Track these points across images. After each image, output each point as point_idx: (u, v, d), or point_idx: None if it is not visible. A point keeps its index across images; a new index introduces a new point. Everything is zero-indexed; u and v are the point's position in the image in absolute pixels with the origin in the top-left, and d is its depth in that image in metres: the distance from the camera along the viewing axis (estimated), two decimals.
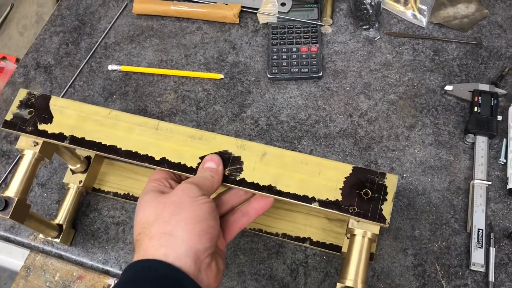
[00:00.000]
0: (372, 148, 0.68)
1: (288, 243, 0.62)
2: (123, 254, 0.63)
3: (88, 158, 0.65)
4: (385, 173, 0.48)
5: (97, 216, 0.65)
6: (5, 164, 0.70)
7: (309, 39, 0.75)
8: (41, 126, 0.52)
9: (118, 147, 0.51)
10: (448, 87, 0.70)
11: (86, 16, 0.83)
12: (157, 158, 0.50)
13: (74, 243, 0.64)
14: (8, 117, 0.53)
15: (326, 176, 0.48)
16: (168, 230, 0.42)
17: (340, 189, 0.47)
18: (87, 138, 0.51)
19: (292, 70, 0.73)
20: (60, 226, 0.62)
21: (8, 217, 0.50)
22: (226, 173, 0.49)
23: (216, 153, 0.50)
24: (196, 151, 0.50)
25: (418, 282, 0.59)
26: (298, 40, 0.76)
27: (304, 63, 0.73)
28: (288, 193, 0.48)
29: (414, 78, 0.73)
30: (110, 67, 0.76)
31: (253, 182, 0.48)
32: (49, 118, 0.53)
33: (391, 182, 0.47)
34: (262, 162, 0.49)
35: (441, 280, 0.59)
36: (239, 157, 0.49)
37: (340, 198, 0.47)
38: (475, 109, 0.67)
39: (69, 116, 0.53)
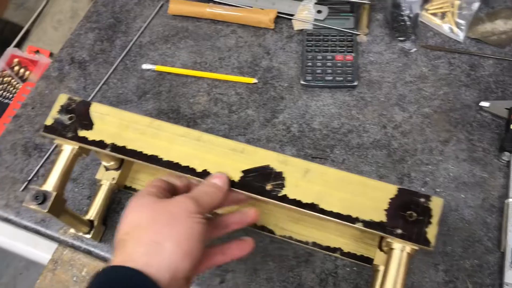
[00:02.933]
0: (406, 161, 0.67)
1: (318, 252, 0.62)
2: None
3: None
4: (430, 195, 0.47)
5: None
6: (38, 158, 0.71)
7: (344, 48, 0.75)
8: (82, 133, 0.52)
9: (159, 157, 0.51)
10: (484, 103, 0.69)
11: (122, 14, 0.83)
12: (199, 170, 0.50)
13: (104, 240, 0.64)
14: (49, 122, 0.53)
15: (370, 196, 0.48)
16: (158, 239, 0.41)
17: (385, 210, 0.47)
18: (128, 147, 0.51)
19: (326, 78, 0.73)
20: (91, 222, 0.62)
21: (46, 211, 0.50)
22: (267, 188, 0.48)
23: (258, 167, 0.49)
24: (237, 165, 0.50)
25: None
26: (333, 48, 0.75)
27: (339, 71, 0.73)
28: (331, 212, 0.47)
29: (450, 93, 0.72)
30: (145, 66, 0.77)
31: (295, 199, 0.48)
32: (89, 125, 0.53)
33: (436, 205, 0.47)
34: (305, 179, 0.49)
35: None
36: (281, 173, 0.49)
37: (384, 220, 0.47)
38: None
39: (110, 123, 0.53)
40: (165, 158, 0.51)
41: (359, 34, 0.77)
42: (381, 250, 0.57)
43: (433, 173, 0.66)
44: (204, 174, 0.50)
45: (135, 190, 0.66)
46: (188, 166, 0.50)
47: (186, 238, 0.42)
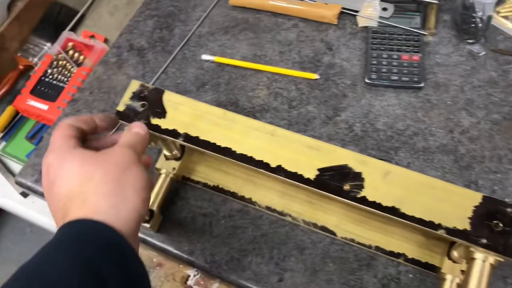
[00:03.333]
0: (473, 167, 0.65)
1: (380, 256, 0.60)
2: (209, 247, 0.62)
3: (183, 145, 0.64)
4: None
5: (185, 204, 0.65)
6: None
7: (410, 48, 0.73)
8: (154, 121, 0.52)
9: (233, 149, 0.50)
10: None
11: (181, 2, 0.82)
12: (272, 165, 0.48)
13: (160, 230, 0.63)
14: (121, 107, 0.53)
15: (453, 203, 0.46)
16: (119, 190, 0.41)
17: (469, 218, 0.45)
18: (201, 137, 0.50)
19: (392, 77, 0.71)
20: (151, 211, 0.61)
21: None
22: (345, 188, 0.47)
23: (335, 166, 0.48)
24: (313, 162, 0.48)
25: None
26: (399, 47, 0.73)
27: (405, 71, 0.71)
28: (413, 217, 0.45)
29: None
30: (204, 57, 0.76)
31: (375, 202, 0.46)
32: (162, 113, 0.52)
33: None
34: (385, 181, 0.47)
35: None
36: (359, 173, 0.47)
37: (468, 228, 0.45)
38: None
39: (183, 113, 0.52)
40: (239, 151, 0.50)
41: (426, 34, 0.74)
42: (450, 258, 0.56)
43: (502, 182, 0.64)
44: (278, 169, 0.48)
45: (193, 181, 0.65)
46: (262, 161, 0.49)
47: (142, 186, 0.43)
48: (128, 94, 0.53)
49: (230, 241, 0.62)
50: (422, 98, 0.70)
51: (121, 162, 0.43)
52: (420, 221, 0.45)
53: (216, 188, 0.64)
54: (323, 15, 0.77)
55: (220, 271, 0.60)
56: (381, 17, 0.75)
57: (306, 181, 0.47)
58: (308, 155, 0.49)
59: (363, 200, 0.46)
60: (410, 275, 0.59)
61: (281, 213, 0.62)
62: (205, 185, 0.65)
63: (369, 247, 0.60)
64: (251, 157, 0.49)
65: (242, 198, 0.64)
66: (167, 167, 0.63)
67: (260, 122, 0.51)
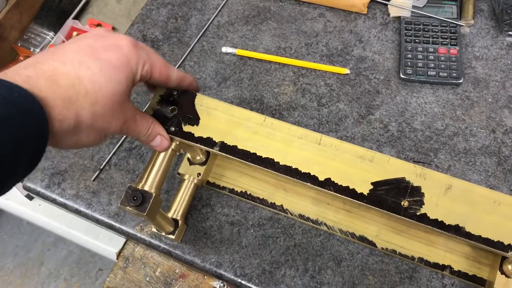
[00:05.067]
0: None
1: (423, 267, 0.56)
2: (238, 258, 0.57)
3: None
4: None
5: (210, 212, 0.60)
6: (109, 144, 0.65)
7: (447, 40, 0.68)
8: (186, 128, 0.46)
9: (275, 160, 0.45)
10: None
11: None
12: (321, 178, 0.44)
13: (185, 240, 0.59)
14: (148, 113, 0.47)
15: None
16: (83, 59, 0.36)
17: None
18: (239, 147, 0.45)
19: (429, 72, 0.66)
20: (175, 221, 0.56)
21: (145, 214, 0.45)
22: (403, 205, 0.42)
23: (391, 180, 0.43)
24: (366, 175, 0.43)
25: None
26: (435, 39, 0.68)
27: (442, 66, 0.66)
28: (480, 236, 0.41)
29: None
30: (224, 49, 0.70)
31: (437, 220, 0.42)
32: (195, 119, 0.46)
33: None
34: (446, 197, 0.42)
35: None
36: (419, 188, 0.43)
37: None
38: None
39: (218, 118, 0.46)
40: (282, 162, 0.45)
41: (463, 26, 0.69)
42: (503, 273, 0.52)
43: None
44: (327, 183, 0.44)
45: (219, 187, 0.60)
46: (308, 173, 0.44)
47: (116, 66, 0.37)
48: (155, 97, 0.48)
49: (261, 252, 0.57)
50: (461, 95, 0.66)
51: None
52: (487, 241, 0.41)
53: (243, 194, 0.60)
54: (352, 3, 0.71)
55: (251, 285, 0.56)
56: (414, 7, 0.70)
57: (359, 197, 0.43)
58: (360, 166, 0.44)
59: (424, 218, 0.42)
60: None
61: (315, 222, 0.58)
62: (232, 191, 0.60)
63: (412, 258, 0.56)
64: (296, 169, 0.44)
65: (272, 205, 0.59)
66: (191, 173, 0.58)
67: (305, 129, 0.46)
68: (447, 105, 0.65)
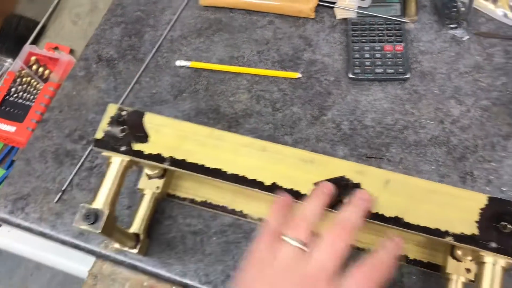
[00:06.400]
0: (467, 158, 0.63)
1: None
2: (202, 267, 0.58)
3: None
4: None
5: (173, 224, 0.61)
6: (70, 165, 0.66)
7: (393, 37, 0.70)
8: (136, 146, 0.48)
9: (223, 170, 0.46)
10: None
11: (149, 6, 0.78)
12: (267, 183, 0.45)
13: (149, 253, 0.60)
14: (99, 135, 0.49)
15: (458, 207, 0.44)
16: None
17: (476, 222, 0.43)
18: (188, 160, 0.47)
19: (376, 70, 0.68)
20: (136, 236, 0.58)
21: (99, 231, 0.46)
22: (345, 202, 0.44)
23: (331, 179, 0.45)
24: (309, 176, 0.45)
25: None
26: (381, 38, 0.70)
27: (389, 63, 0.68)
28: (418, 225, 0.43)
29: (508, 83, 0.67)
30: (178, 63, 0.72)
31: (377, 213, 0.44)
32: (144, 137, 0.48)
33: None
34: (386, 191, 0.44)
35: None
36: (358, 184, 0.45)
37: (476, 232, 0.43)
38: None
39: (167, 135, 0.48)
40: (230, 171, 0.46)
41: (407, 22, 0.72)
42: (453, 257, 0.54)
43: (497, 170, 0.62)
44: (273, 187, 0.45)
45: (179, 198, 0.62)
46: (255, 180, 0.46)
47: None
48: (105, 119, 0.49)
49: (224, 258, 0.59)
50: (409, 89, 0.68)
51: None
52: (425, 229, 0.43)
53: (204, 204, 0.61)
54: (300, 9, 0.73)
55: None
56: (359, 8, 0.73)
57: (303, 198, 0.45)
58: (303, 169, 0.46)
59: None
60: (414, 277, 0.57)
61: None
62: (192, 201, 0.61)
63: (367, 250, 0.57)
64: (243, 176, 0.46)
65: (233, 211, 0.60)
66: (150, 187, 0.59)
67: (250, 138, 0.47)
68: (396, 100, 0.67)
